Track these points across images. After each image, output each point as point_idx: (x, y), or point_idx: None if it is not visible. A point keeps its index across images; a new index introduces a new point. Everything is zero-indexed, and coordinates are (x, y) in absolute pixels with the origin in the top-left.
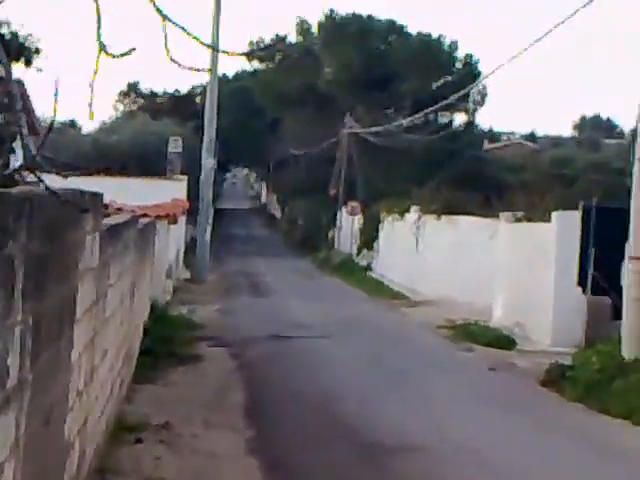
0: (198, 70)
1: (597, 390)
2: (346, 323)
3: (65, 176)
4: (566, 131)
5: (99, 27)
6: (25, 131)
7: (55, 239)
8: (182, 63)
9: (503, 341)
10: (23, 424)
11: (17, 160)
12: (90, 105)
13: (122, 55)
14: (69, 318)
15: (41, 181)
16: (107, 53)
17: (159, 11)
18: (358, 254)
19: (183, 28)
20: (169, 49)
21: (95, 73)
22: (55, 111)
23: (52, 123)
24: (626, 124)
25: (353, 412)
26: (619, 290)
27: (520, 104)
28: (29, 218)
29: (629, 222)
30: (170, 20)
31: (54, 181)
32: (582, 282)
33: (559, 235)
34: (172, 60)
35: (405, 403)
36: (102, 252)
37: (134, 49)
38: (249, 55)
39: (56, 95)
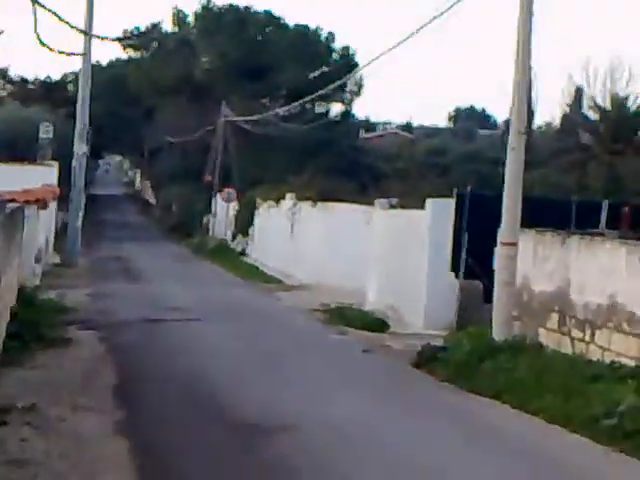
0: (69, 54)
1: (467, 371)
2: (220, 306)
3: None
4: (442, 122)
5: None
6: None
7: None
8: (54, 47)
9: (377, 324)
10: None
11: None
12: None
13: None
14: None
15: None
16: None
17: None
18: (233, 240)
19: (55, 13)
20: (39, 33)
21: None
22: None
23: None
24: (500, 115)
25: (225, 393)
26: (491, 274)
27: (396, 95)
28: None
29: (501, 209)
30: (40, 4)
31: None
32: (455, 267)
33: (433, 221)
34: (42, 44)
35: (278, 385)
36: None
37: (2, 31)
38: (122, 40)
39: None
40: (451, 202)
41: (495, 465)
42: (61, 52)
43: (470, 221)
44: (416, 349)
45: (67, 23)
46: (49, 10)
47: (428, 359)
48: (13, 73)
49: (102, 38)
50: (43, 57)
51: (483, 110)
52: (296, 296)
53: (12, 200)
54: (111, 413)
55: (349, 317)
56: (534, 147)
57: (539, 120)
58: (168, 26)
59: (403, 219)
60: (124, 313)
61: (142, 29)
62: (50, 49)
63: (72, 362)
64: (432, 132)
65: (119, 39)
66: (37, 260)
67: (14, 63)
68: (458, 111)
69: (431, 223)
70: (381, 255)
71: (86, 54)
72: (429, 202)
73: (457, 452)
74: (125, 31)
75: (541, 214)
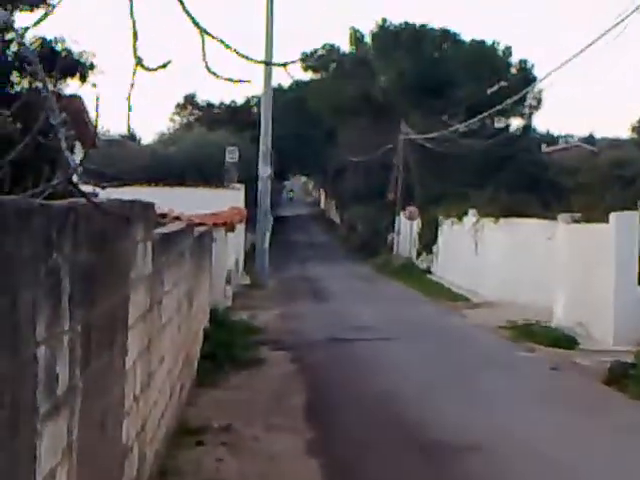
0: (238, 82)
1: None
2: (407, 325)
3: (103, 187)
4: (624, 133)
5: (135, 41)
6: (64, 145)
7: (103, 249)
8: (232, 76)
9: (565, 341)
10: (76, 429)
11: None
12: (128, 117)
13: (158, 68)
14: (122, 325)
15: (81, 192)
16: (143, 67)
17: (196, 24)
18: (417, 257)
19: (222, 41)
20: (207, 62)
21: (132, 86)
22: (96, 126)
23: (95, 137)
24: None
25: (416, 413)
26: None
27: (578, 107)
28: (73, 229)
29: None
30: (207, 32)
31: (120, 193)
32: None
33: (618, 235)
34: (210, 72)
35: (468, 404)
36: (155, 260)
37: (170, 62)
38: (302, 61)
39: (97, 111)
40: (636, 215)
41: None
42: (228, 79)
43: None
44: (606, 366)
45: (240, 54)
46: (221, 42)
47: (619, 376)
48: (200, 99)
49: (276, 65)
50: (227, 83)
51: None
52: (482, 313)
53: (202, 224)
54: (303, 433)
55: (536, 334)
56: None
57: None
58: (346, 47)
59: (587, 234)
60: (313, 333)
61: (320, 51)
62: (218, 77)
63: (265, 382)
64: (615, 144)
65: (285, 64)
66: (228, 282)
67: (200, 88)
68: None
69: (616, 237)
70: (566, 271)
71: (266, 81)
72: (613, 216)
73: None
74: (304, 54)
75: None
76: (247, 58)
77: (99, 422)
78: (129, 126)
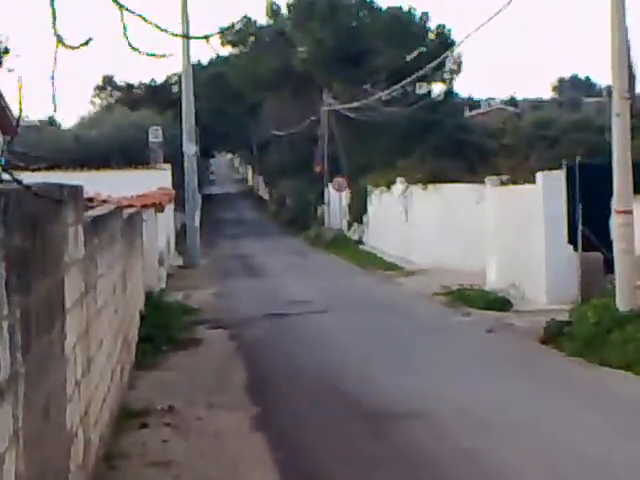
0: (160, 56)
1: (595, 344)
2: (342, 296)
3: (33, 170)
4: (546, 93)
5: (54, 20)
6: None
7: (35, 233)
8: (152, 52)
9: (499, 303)
10: (20, 415)
11: None
12: (53, 97)
13: (80, 46)
14: (58, 310)
15: (11, 176)
16: (65, 45)
17: (117, 2)
18: (349, 229)
19: (148, 20)
20: (128, 37)
21: (54, 65)
22: (20, 110)
23: (18, 120)
24: (604, 81)
25: (356, 383)
26: (610, 244)
27: (497, 69)
28: (5, 213)
29: (613, 177)
30: (130, 11)
31: (36, 177)
32: (573, 239)
33: (545, 195)
34: (132, 48)
35: (406, 370)
36: (87, 243)
37: (91, 39)
38: (220, 33)
39: (20, 94)
40: (562, 174)
41: None
42: (151, 54)
43: (583, 192)
44: (541, 326)
45: (161, 29)
46: (142, 18)
47: (554, 335)
48: (118, 79)
49: (197, 38)
50: (146, 62)
51: (587, 78)
52: (416, 281)
53: (130, 206)
54: (246, 409)
55: (471, 298)
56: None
57: None
58: (263, 19)
59: (515, 195)
60: (249, 310)
61: (238, 25)
62: (140, 53)
63: (204, 361)
64: (537, 104)
65: (207, 37)
66: (160, 263)
67: (118, 70)
68: (562, 81)
69: (544, 197)
70: (497, 233)
71: (185, 57)
72: (539, 176)
73: (598, 430)
74: (221, 28)
75: None
76: (170, 33)
77: (43, 408)
78: (55, 107)
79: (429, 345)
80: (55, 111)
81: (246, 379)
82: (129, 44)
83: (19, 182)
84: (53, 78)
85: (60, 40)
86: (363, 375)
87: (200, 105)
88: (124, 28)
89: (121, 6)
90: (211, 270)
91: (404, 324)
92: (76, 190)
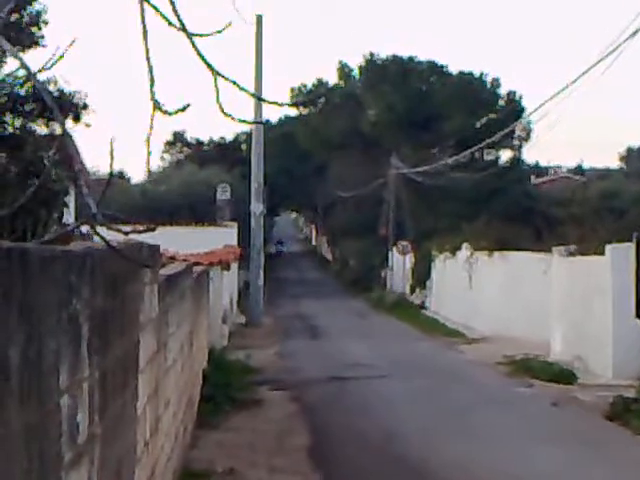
0: (250, 123)
1: None
2: (404, 361)
3: (126, 233)
4: (613, 163)
5: (152, 85)
6: (86, 190)
7: (116, 293)
8: (243, 118)
9: (563, 375)
10: (95, 478)
11: (70, 214)
12: (148, 161)
13: (177, 112)
14: (133, 369)
15: (102, 238)
16: (162, 110)
17: (209, 66)
18: (411, 293)
19: (234, 82)
20: (222, 104)
21: (150, 129)
22: (112, 168)
23: (109, 180)
24: None
25: (416, 452)
26: None
27: (566, 138)
28: (91, 274)
29: None
30: (219, 74)
31: (108, 234)
32: None
33: (614, 267)
34: (225, 114)
35: (469, 442)
36: (161, 302)
37: (189, 105)
38: (293, 105)
39: (112, 153)
40: (631, 246)
41: None
42: (242, 121)
43: None
44: (607, 401)
45: (245, 90)
46: (229, 80)
47: (621, 411)
48: (188, 136)
49: (276, 104)
50: (215, 118)
51: None
52: (478, 349)
53: (198, 263)
54: (307, 474)
55: (534, 369)
56: None
57: None
58: (334, 80)
59: (583, 266)
60: (311, 371)
61: (309, 86)
62: (232, 118)
63: (265, 423)
64: (604, 174)
65: (289, 104)
66: (224, 321)
67: (188, 126)
68: (630, 150)
69: (612, 269)
70: (563, 304)
71: (257, 118)
72: (608, 248)
73: None
74: (292, 90)
75: None
76: (266, 100)
77: (115, 470)
78: (149, 169)
79: (491, 416)
80: (149, 172)
81: (307, 442)
82: (221, 110)
83: (109, 244)
84: (147, 143)
85: (158, 106)
86: (424, 444)
87: (267, 164)
88: (217, 93)
89: (216, 72)
90: (273, 329)
91: (466, 393)
92: (154, 249)
